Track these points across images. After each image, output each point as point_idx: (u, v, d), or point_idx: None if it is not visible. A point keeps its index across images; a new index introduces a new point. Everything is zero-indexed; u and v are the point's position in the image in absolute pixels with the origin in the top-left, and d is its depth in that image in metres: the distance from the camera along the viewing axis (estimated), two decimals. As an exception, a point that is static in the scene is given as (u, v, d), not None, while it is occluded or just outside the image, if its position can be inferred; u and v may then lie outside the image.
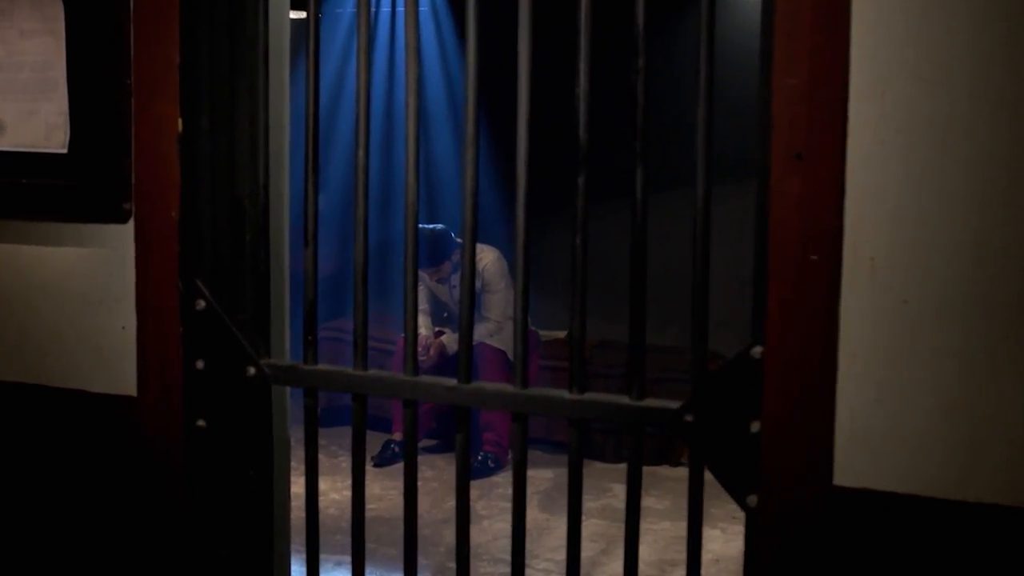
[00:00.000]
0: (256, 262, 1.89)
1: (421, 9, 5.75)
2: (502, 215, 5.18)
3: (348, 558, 1.92)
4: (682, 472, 4.85)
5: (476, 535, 4.01)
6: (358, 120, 1.79)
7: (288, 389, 1.97)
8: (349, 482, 1.85)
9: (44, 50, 1.94)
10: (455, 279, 5.07)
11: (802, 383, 1.49)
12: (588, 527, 3.95)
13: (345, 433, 2.10)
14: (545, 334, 5.40)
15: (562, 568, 3.58)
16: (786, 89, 1.47)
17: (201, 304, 1.86)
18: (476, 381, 1.77)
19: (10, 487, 2.06)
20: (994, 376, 1.41)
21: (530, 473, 1.93)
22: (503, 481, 4.77)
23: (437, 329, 5.17)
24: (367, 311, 1.81)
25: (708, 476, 1.61)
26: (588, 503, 4.22)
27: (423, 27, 6.05)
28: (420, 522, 1.90)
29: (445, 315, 5.24)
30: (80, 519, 2.00)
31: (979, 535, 1.43)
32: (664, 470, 4.94)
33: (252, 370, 1.86)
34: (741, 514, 1.59)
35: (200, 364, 1.88)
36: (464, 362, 1.75)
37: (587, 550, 3.75)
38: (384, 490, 4.60)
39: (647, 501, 4.34)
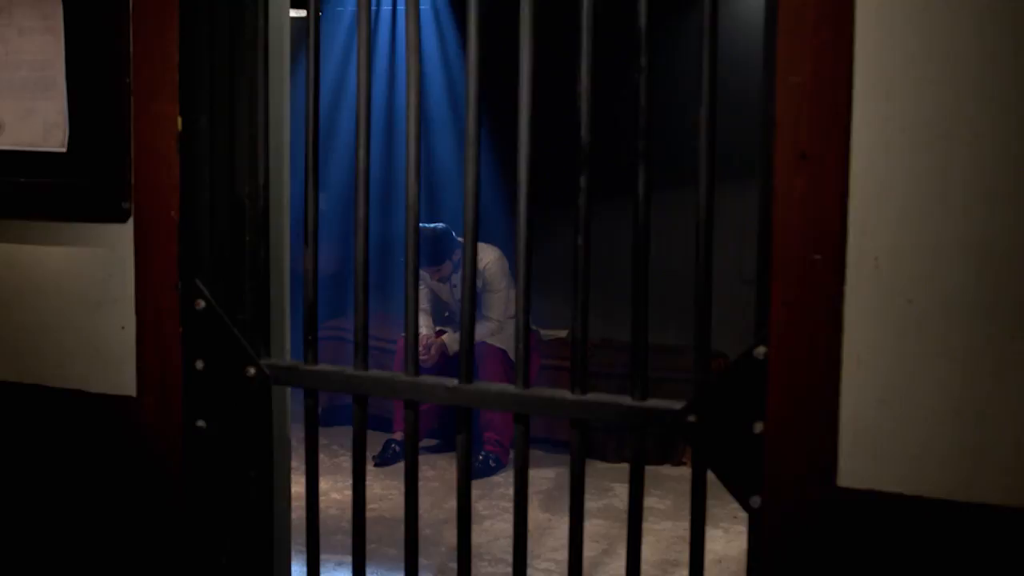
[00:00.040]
0: (256, 262, 1.88)
1: (422, 7, 5.74)
2: (503, 214, 5.18)
3: (349, 558, 1.91)
4: (683, 471, 4.85)
5: (477, 535, 4.00)
6: (359, 119, 1.78)
7: (288, 389, 1.97)
8: (350, 482, 1.85)
9: (43, 48, 1.93)
10: (456, 278, 5.07)
11: (806, 384, 1.48)
12: (589, 527, 3.94)
13: (346, 432, 2.10)
14: (546, 333, 5.40)
15: (563, 568, 3.57)
16: (790, 88, 1.46)
17: (201, 304, 1.86)
18: (477, 381, 1.76)
19: (8, 488, 2.05)
20: (999, 377, 1.40)
21: (531, 472, 1.92)
22: (504, 481, 4.76)
23: (438, 328, 5.16)
24: (368, 311, 1.80)
25: (710, 475, 1.60)
26: (589, 503, 4.22)
27: (424, 25, 6.04)
28: (421, 522, 1.90)
29: (446, 314, 5.23)
30: (79, 520, 1.99)
31: (984, 537, 1.42)
32: (666, 469, 4.93)
33: (252, 370, 1.85)
34: (743, 514, 1.58)
35: (200, 364, 1.87)
36: (465, 362, 1.74)
37: (588, 550, 3.74)
38: (385, 490, 4.59)
39: (648, 501, 4.34)
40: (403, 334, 1.90)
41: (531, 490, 2.09)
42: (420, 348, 4.39)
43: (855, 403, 1.47)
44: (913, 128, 1.42)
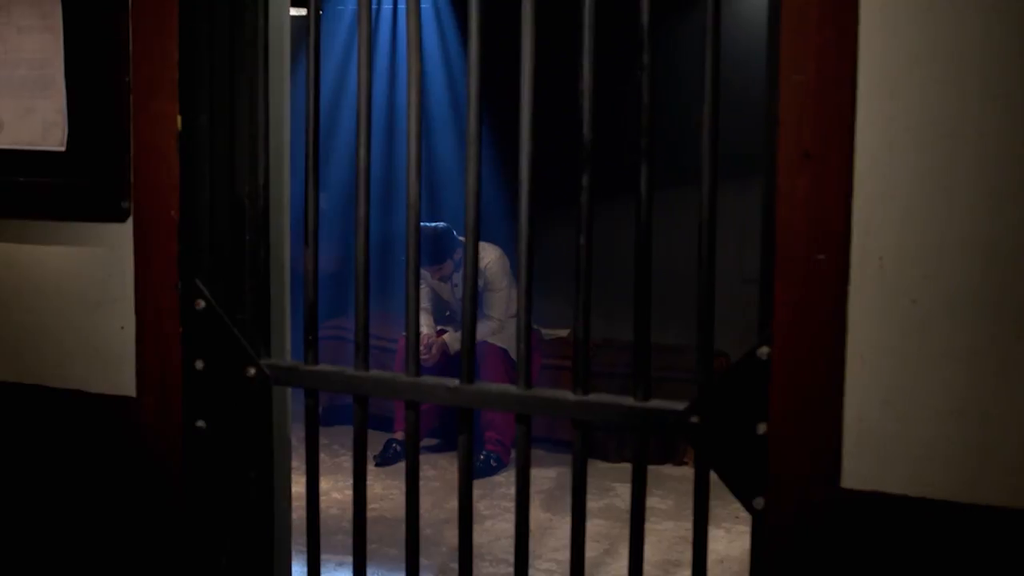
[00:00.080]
0: (256, 261, 1.87)
1: (423, 6, 5.73)
2: (505, 213, 5.18)
3: (350, 558, 1.91)
4: (685, 471, 4.84)
5: (478, 535, 3.99)
6: (359, 117, 1.78)
7: (289, 389, 1.96)
8: (351, 481, 1.84)
9: (41, 47, 1.92)
10: (457, 277, 5.06)
11: (809, 384, 1.47)
12: (590, 527, 3.93)
13: (347, 432, 2.09)
14: (547, 332, 5.39)
15: (565, 568, 3.56)
16: (793, 86, 1.45)
17: (201, 304, 1.85)
18: (478, 381, 1.75)
19: (7, 489, 2.04)
20: (1005, 377, 1.39)
21: (532, 472, 1.91)
22: (505, 480, 4.76)
23: (439, 328, 5.15)
24: (368, 311, 1.80)
25: (712, 475, 1.59)
26: (590, 503, 4.20)
27: (425, 24, 6.04)
28: (422, 522, 1.89)
29: (447, 313, 5.22)
30: (78, 521, 1.98)
31: (989, 539, 1.41)
32: (667, 469, 4.92)
33: (252, 371, 1.84)
34: (744, 514, 1.57)
35: (200, 365, 1.86)
36: (467, 363, 1.73)
37: (590, 550, 3.73)
38: (386, 489, 4.59)
39: (650, 501, 4.32)
40: (404, 333, 1.89)
41: (532, 489, 2.07)
42: (421, 347, 4.39)
43: (859, 404, 1.46)
44: (918, 127, 1.41)
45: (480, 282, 4.90)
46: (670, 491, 4.60)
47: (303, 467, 1.88)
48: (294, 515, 2.09)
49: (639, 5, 1.59)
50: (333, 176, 6.00)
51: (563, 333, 5.42)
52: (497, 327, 4.96)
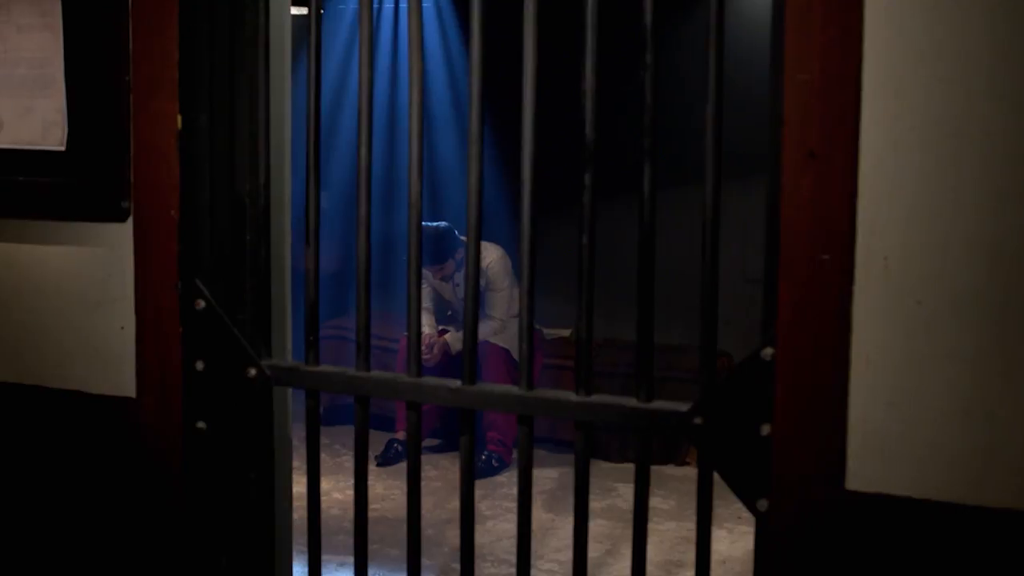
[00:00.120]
0: (256, 261, 1.87)
1: (424, 5, 5.73)
2: (506, 212, 5.17)
3: (351, 559, 1.90)
4: (687, 471, 4.83)
5: (480, 535, 3.98)
6: (360, 116, 1.77)
7: (290, 390, 1.95)
8: (352, 481, 1.83)
9: (41, 46, 1.91)
10: (459, 277, 5.05)
11: (813, 385, 1.47)
12: (593, 528, 3.93)
13: (348, 431, 2.09)
14: (549, 332, 5.39)
15: (567, 569, 3.55)
16: (798, 85, 1.45)
17: (201, 304, 1.84)
18: (480, 381, 1.74)
19: (7, 489, 2.04)
20: (1009, 378, 1.38)
21: (534, 472, 1.90)
22: (507, 481, 4.75)
23: (441, 327, 5.15)
24: (370, 311, 1.79)
25: (714, 475, 1.58)
26: (592, 503, 4.20)
27: (426, 22, 6.03)
28: (424, 522, 1.88)
29: (449, 313, 5.22)
30: (78, 522, 1.98)
31: (995, 540, 1.40)
32: (669, 469, 4.92)
33: (253, 371, 1.84)
34: (747, 514, 1.56)
35: (200, 365, 1.85)
36: (468, 364, 1.73)
37: (592, 551, 3.72)
38: (387, 490, 4.58)
39: (652, 501, 4.32)
40: (405, 333, 1.88)
41: (534, 490, 2.07)
42: (423, 347, 4.39)
43: (864, 405, 1.45)
44: (923, 126, 1.40)
45: (482, 282, 4.89)
46: (672, 491, 4.59)
47: (304, 467, 1.88)
48: (295, 515, 2.08)
49: (642, 5, 1.58)
50: (334, 175, 5.99)
51: (564, 333, 5.41)
52: (499, 327, 4.96)
